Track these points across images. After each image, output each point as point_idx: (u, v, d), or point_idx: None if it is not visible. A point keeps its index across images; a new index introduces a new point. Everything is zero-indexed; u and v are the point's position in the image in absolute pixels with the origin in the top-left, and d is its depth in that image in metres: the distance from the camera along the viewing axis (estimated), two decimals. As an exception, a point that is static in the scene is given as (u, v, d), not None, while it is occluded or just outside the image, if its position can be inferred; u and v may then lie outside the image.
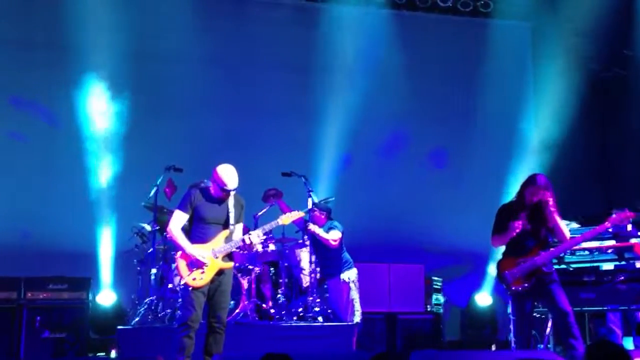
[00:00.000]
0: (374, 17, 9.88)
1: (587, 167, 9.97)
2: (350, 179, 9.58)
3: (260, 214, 7.57)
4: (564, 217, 5.67)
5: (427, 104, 10.14)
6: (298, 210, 6.05)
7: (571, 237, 5.69)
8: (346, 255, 7.60)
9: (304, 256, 7.70)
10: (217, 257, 5.37)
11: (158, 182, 7.44)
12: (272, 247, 7.58)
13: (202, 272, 5.32)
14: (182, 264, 5.36)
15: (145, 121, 9.13)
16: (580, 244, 6.12)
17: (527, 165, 9.80)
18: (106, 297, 8.40)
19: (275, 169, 7.84)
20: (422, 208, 9.84)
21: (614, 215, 5.59)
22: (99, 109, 9.04)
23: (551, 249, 5.64)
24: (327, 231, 7.49)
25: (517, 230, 5.51)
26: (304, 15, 9.88)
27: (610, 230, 6.59)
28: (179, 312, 5.70)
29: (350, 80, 9.63)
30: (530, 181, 5.67)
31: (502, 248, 5.77)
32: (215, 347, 5.34)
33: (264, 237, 5.92)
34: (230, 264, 5.50)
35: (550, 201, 5.56)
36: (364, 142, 9.89)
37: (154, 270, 7.40)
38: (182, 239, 5.40)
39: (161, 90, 9.27)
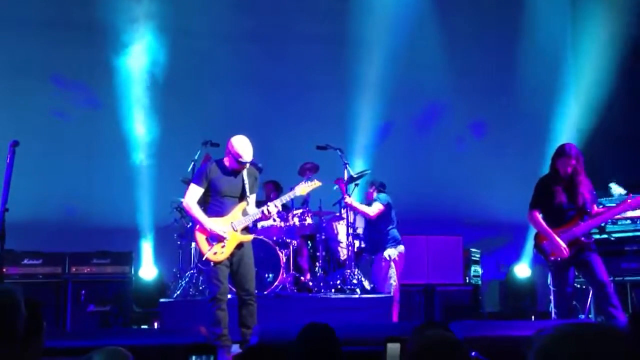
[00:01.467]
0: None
1: (629, 135, 9.73)
2: (387, 151, 9.55)
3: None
4: (602, 184, 5.59)
5: (465, 75, 9.99)
6: (316, 180, 5.91)
7: (609, 207, 5.61)
8: (393, 232, 7.50)
9: (341, 229, 7.72)
10: (236, 230, 5.38)
11: (195, 157, 7.52)
12: (309, 220, 7.61)
13: (223, 246, 5.31)
14: (201, 239, 5.35)
15: (183, 97, 9.22)
16: (620, 213, 5.98)
17: (567, 134, 9.62)
18: (148, 271, 8.57)
19: (311, 142, 7.85)
20: (460, 180, 9.75)
21: None
22: (137, 86, 9.16)
23: (590, 219, 5.56)
24: (370, 204, 7.48)
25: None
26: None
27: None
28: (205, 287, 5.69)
29: (386, 53, 9.54)
30: (560, 152, 5.59)
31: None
32: (250, 319, 5.36)
33: (280, 207, 5.84)
34: (250, 237, 5.50)
35: (582, 173, 5.50)
36: (401, 114, 9.84)
37: (193, 244, 7.50)
38: (199, 213, 5.37)
39: (198, 66, 9.37)
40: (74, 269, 7.57)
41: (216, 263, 5.31)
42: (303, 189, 5.72)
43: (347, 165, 7.64)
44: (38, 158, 8.44)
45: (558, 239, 5.48)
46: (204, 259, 5.32)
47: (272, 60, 9.66)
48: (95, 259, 7.68)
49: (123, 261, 7.79)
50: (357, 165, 8.83)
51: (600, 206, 5.88)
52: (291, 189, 5.86)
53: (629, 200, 5.53)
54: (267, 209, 5.43)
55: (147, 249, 8.90)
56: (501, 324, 5.67)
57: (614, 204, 5.87)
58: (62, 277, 7.51)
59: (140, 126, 9.13)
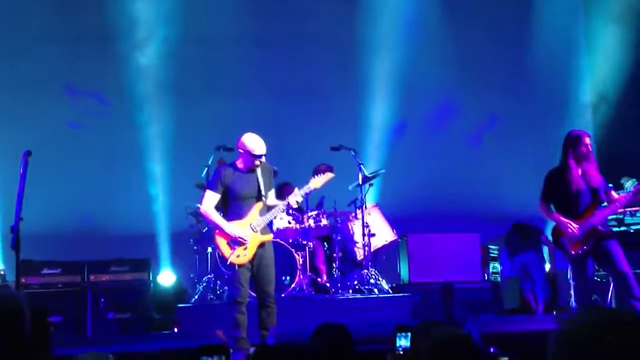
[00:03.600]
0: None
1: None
2: (401, 150, 9.53)
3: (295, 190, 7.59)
4: (620, 173, 5.53)
5: (476, 71, 9.95)
6: (329, 172, 5.83)
7: (623, 194, 5.54)
8: None
9: (357, 229, 7.71)
10: (256, 231, 5.40)
11: (209, 162, 7.55)
12: (324, 221, 7.60)
13: (245, 248, 5.34)
14: (222, 243, 5.38)
15: (197, 103, 9.27)
16: (632, 202, 5.85)
17: (582, 127, 9.53)
18: (166, 277, 8.61)
19: (325, 144, 7.84)
20: (476, 177, 9.70)
21: None
22: (151, 93, 9.21)
23: (604, 208, 5.49)
24: None
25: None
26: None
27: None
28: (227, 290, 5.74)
29: (397, 53, 9.55)
30: (572, 137, 5.53)
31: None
32: (269, 321, 5.38)
33: (302, 197, 5.80)
34: (270, 236, 5.53)
35: (593, 161, 5.45)
36: (413, 113, 9.82)
37: (210, 249, 7.53)
38: (217, 218, 5.42)
39: (211, 72, 9.42)
40: (92, 277, 7.59)
41: (240, 266, 5.33)
42: (317, 181, 5.68)
43: (362, 166, 7.62)
44: (54, 168, 8.52)
45: (566, 220, 5.42)
46: (228, 262, 5.35)
47: (283, 63, 9.68)
48: (114, 266, 7.70)
49: (141, 268, 7.79)
50: (371, 165, 8.81)
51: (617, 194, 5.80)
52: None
53: None
54: (292, 200, 5.43)
55: (164, 255, 8.95)
56: (516, 319, 5.64)
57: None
58: (81, 285, 7.55)
59: (153, 133, 9.18)
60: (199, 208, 7.37)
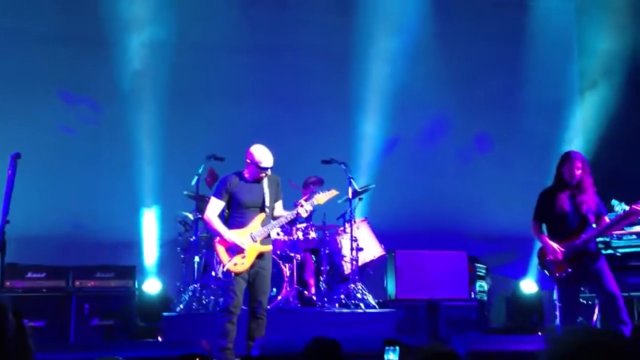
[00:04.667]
0: (412, 2, 9.77)
1: (635, 152, 9.71)
2: (391, 165, 9.54)
3: (301, 201, 7.58)
4: (610, 199, 5.51)
5: (469, 89, 10.00)
6: (333, 189, 5.93)
7: (613, 219, 5.54)
8: None
9: (345, 243, 7.70)
10: (256, 241, 5.41)
11: (199, 171, 7.53)
12: (313, 234, 7.60)
13: (243, 257, 5.37)
14: (221, 250, 5.41)
15: (188, 111, 9.24)
16: (619, 222, 5.83)
17: (573, 146, 9.60)
18: (152, 285, 8.54)
19: (316, 156, 7.85)
20: (465, 194, 9.72)
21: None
22: (143, 100, 9.18)
23: (591, 230, 5.47)
24: None
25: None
26: (341, 2, 9.84)
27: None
28: (221, 298, 5.77)
29: (391, 67, 9.57)
30: (566, 157, 5.53)
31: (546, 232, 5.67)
32: (258, 332, 5.40)
33: (311, 208, 5.86)
34: (270, 247, 5.56)
35: (588, 182, 5.44)
36: (404, 129, 9.84)
37: (197, 258, 7.50)
38: (219, 225, 5.45)
39: (202, 79, 9.39)
40: (77, 283, 7.54)
41: (236, 274, 5.34)
42: (321, 198, 5.75)
43: (352, 180, 7.63)
44: (44, 172, 8.47)
45: (552, 243, 5.42)
46: (224, 270, 5.37)
47: (277, 74, 9.68)
48: (99, 272, 7.65)
49: (127, 275, 7.75)
50: (362, 179, 8.81)
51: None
52: (295, 205, 5.85)
53: (633, 208, 5.34)
54: (304, 209, 5.53)
55: (151, 262, 8.89)
56: (502, 338, 5.63)
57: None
58: (65, 290, 7.49)
59: (145, 140, 9.14)
60: (195, 216, 7.38)
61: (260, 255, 5.45)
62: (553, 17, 10.18)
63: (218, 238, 5.47)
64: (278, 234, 7.41)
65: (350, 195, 7.57)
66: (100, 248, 8.37)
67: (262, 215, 5.48)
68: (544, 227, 5.69)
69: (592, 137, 9.72)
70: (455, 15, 10.06)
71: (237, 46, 9.54)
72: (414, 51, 9.64)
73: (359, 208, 7.94)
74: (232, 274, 5.35)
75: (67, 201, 8.84)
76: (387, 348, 2.98)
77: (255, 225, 5.46)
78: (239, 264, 5.36)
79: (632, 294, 6.77)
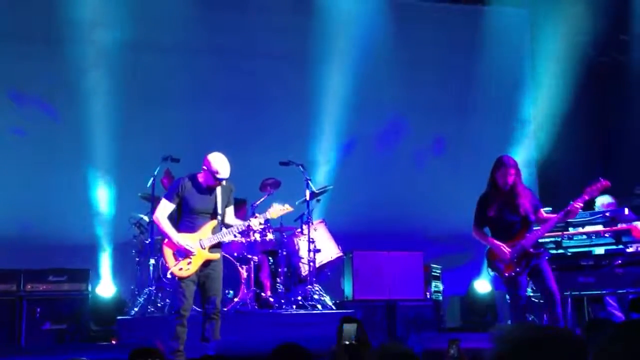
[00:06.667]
0: (370, 5, 9.85)
1: (586, 153, 9.97)
2: (349, 167, 9.58)
3: (257, 203, 7.59)
4: (564, 203, 5.65)
5: (425, 93, 10.11)
6: (288, 205, 5.81)
7: (553, 215, 5.69)
8: None
9: (303, 245, 7.71)
10: (204, 248, 5.36)
11: (155, 173, 7.45)
12: (270, 236, 7.59)
13: (189, 262, 5.32)
14: (168, 253, 5.36)
15: (143, 112, 9.11)
16: (560, 222, 5.99)
17: (525, 151, 9.80)
18: (106, 288, 8.40)
19: (273, 158, 7.84)
20: (421, 196, 9.82)
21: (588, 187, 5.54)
22: (97, 101, 9.02)
23: (535, 229, 5.67)
24: None
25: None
26: (300, 3, 9.85)
27: (607, 214, 6.64)
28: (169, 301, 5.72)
29: (348, 70, 9.61)
30: (499, 163, 5.68)
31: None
32: (212, 333, 5.35)
33: (263, 224, 5.89)
34: (217, 255, 5.45)
35: (520, 184, 5.61)
36: (362, 131, 9.88)
37: (152, 261, 7.41)
38: (168, 227, 5.39)
39: (158, 80, 9.26)
40: (29, 286, 7.39)
41: (181, 278, 5.29)
42: (274, 212, 5.66)
43: (309, 181, 7.65)
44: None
45: (499, 243, 5.56)
46: (168, 273, 5.35)
47: (234, 75, 9.64)
48: (52, 276, 7.51)
49: (80, 278, 7.62)
50: (319, 181, 8.84)
51: (548, 211, 5.98)
52: (252, 207, 5.85)
53: (573, 206, 5.52)
54: (255, 223, 5.48)
55: (105, 265, 8.74)
56: (457, 337, 5.69)
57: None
58: (16, 294, 7.33)
59: (99, 141, 8.98)
60: (150, 218, 7.27)
61: (207, 263, 5.39)
62: (507, 22, 10.37)
63: (166, 240, 5.41)
64: (235, 236, 7.36)
65: (307, 197, 7.59)
66: (53, 251, 8.20)
67: (213, 222, 5.42)
68: (488, 230, 5.82)
69: (544, 137, 9.95)
70: (411, 19, 10.17)
71: (193, 46, 9.46)
72: (370, 54, 9.70)
73: (317, 210, 7.95)
74: (176, 277, 5.32)
75: (19, 204, 8.63)
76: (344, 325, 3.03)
77: (206, 231, 5.40)
78: (184, 269, 5.31)
79: (582, 292, 6.90)
